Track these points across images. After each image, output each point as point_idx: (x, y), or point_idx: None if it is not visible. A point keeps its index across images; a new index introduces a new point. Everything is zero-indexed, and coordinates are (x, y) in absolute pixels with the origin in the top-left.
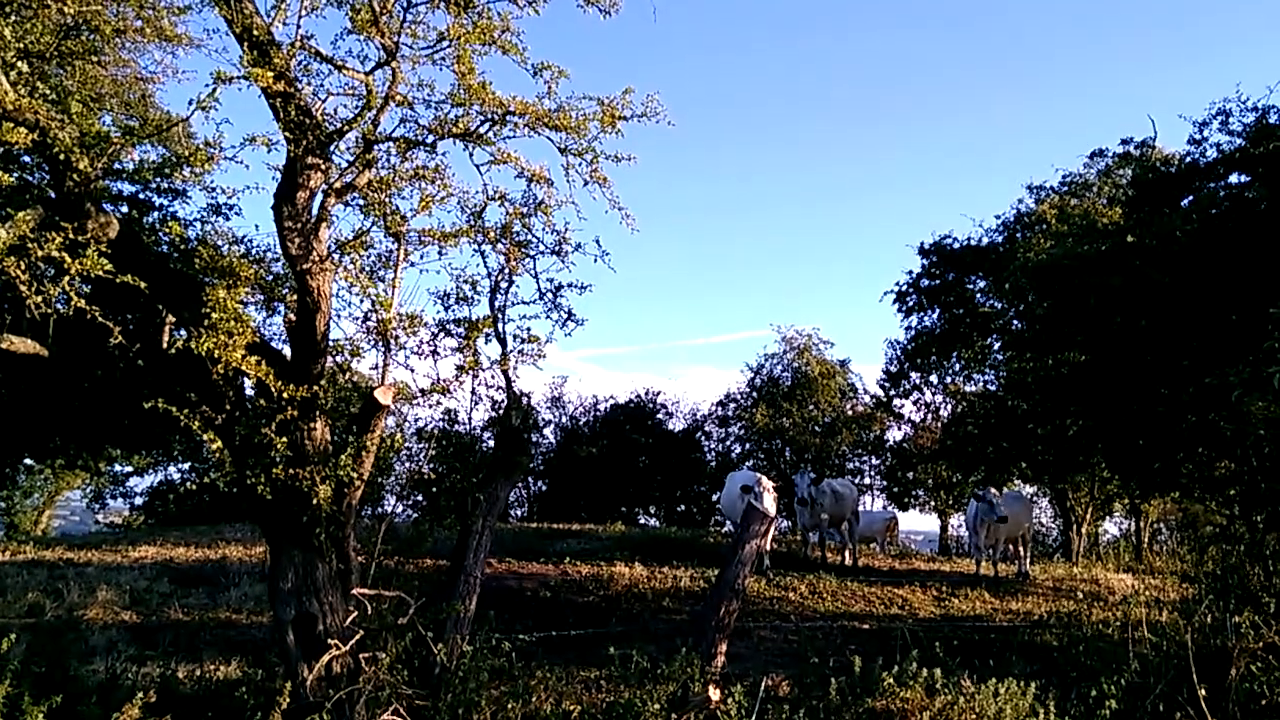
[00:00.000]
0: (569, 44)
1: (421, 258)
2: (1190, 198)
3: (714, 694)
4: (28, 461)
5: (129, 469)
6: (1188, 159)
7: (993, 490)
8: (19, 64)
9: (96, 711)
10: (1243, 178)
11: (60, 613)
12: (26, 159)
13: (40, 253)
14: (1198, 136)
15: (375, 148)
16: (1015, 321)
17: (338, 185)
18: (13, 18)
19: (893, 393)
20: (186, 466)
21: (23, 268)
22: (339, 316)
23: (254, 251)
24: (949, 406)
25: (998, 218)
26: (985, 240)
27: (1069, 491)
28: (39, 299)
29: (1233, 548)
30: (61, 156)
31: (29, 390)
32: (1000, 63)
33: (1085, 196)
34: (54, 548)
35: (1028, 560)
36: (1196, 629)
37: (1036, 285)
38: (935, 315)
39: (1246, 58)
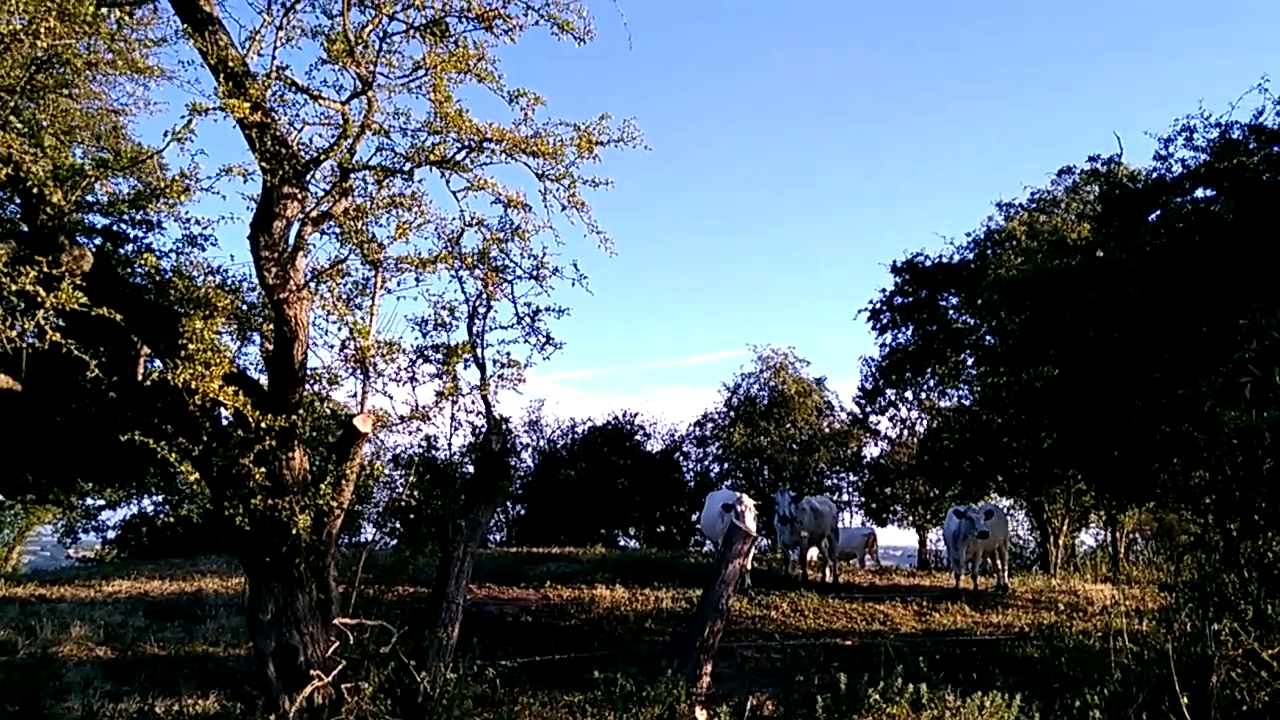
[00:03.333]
0: (545, 65)
1: (399, 284)
2: (1158, 213)
3: (700, 715)
4: None
5: (101, 502)
6: (1154, 175)
7: (973, 507)
8: None
9: None
10: (1208, 192)
11: (33, 650)
12: None
13: (14, 287)
14: (1163, 153)
15: (352, 176)
16: (988, 337)
17: (314, 214)
18: None
19: (869, 409)
20: (160, 499)
21: None
22: (316, 345)
23: (230, 281)
24: (925, 422)
25: (968, 235)
26: (957, 257)
27: (1045, 504)
28: (13, 333)
29: (1209, 556)
30: (35, 190)
31: None
32: (969, 81)
33: (1054, 213)
34: (25, 584)
35: (1006, 573)
36: (1176, 637)
37: (1009, 301)
38: (909, 332)
39: (1209, 74)
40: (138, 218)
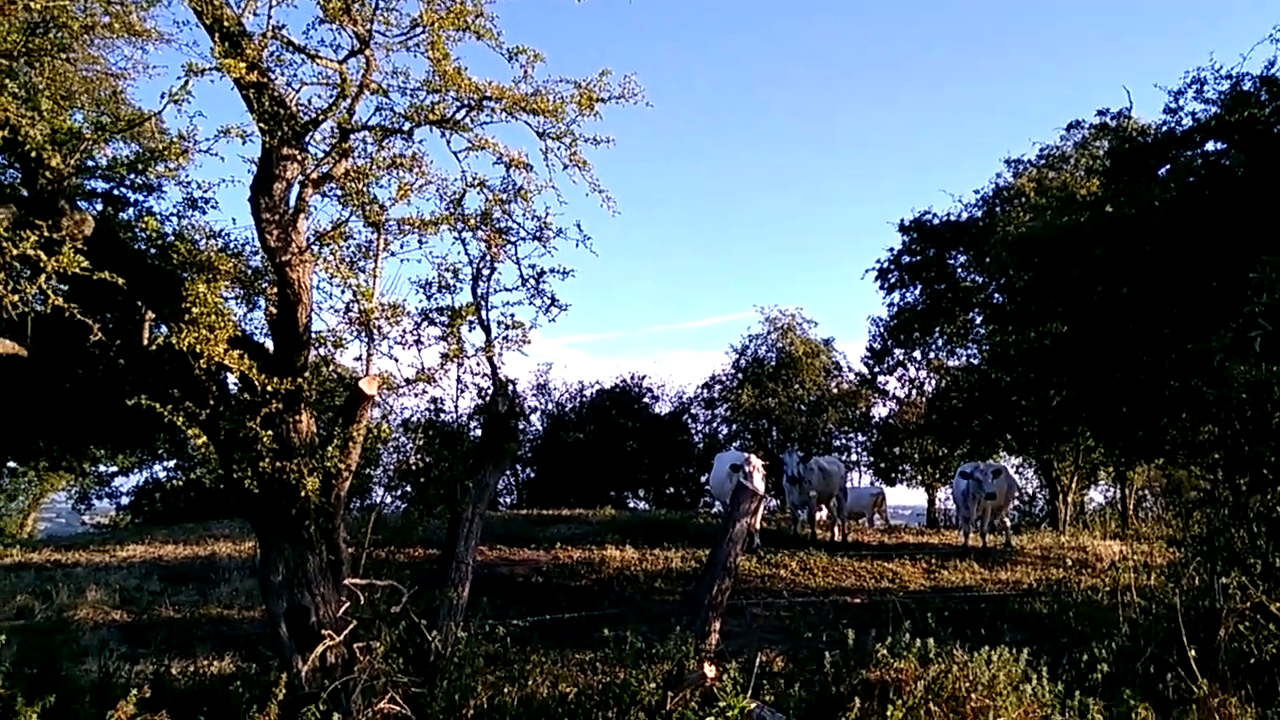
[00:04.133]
0: (546, 26)
1: (402, 247)
2: (1168, 167)
3: (709, 671)
4: (11, 464)
5: (114, 469)
6: (1164, 129)
7: (980, 467)
8: None
9: (90, 710)
10: (1219, 145)
11: (50, 614)
12: None
13: (15, 251)
14: (1173, 106)
15: (351, 137)
16: (997, 295)
17: (315, 176)
18: None
19: (877, 370)
20: (172, 464)
21: None
22: (320, 308)
23: (232, 245)
24: (933, 381)
25: (977, 193)
26: (965, 215)
27: (1054, 461)
28: (15, 298)
29: (1217, 511)
30: (33, 154)
31: (9, 392)
32: (976, 36)
33: (1063, 169)
34: (41, 550)
35: (1010, 528)
36: (1185, 592)
37: (1017, 258)
38: (917, 291)
39: (1221, 26)
40: (138, 181)
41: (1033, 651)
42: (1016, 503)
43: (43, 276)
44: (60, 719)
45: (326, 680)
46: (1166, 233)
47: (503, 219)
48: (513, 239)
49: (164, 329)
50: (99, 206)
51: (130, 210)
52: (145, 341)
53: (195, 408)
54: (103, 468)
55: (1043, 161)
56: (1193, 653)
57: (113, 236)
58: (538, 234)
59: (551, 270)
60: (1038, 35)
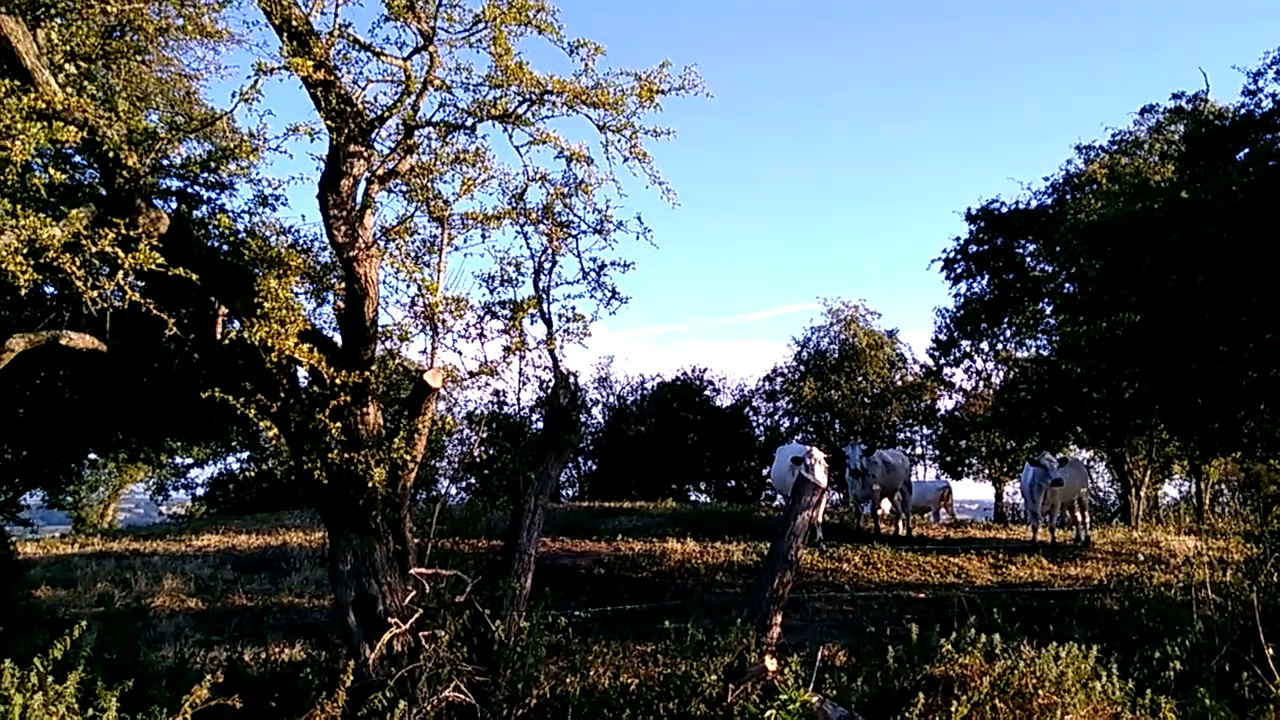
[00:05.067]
0: (608, 19)
1: (465, 241)
2: (1246, 150)
3: (770, 664)
4: (91, 456)
5: (189, 461)
6: (1242, 111)
7: (1047, 455)
8: (67, 65)
9: (167, 695)
10: None
11: (129, 601)
12: (77, 158)
13: (94, 249)
14: (1252, 87)
15: (416, 133)
16: (1067, 284)
17: (380, 172)
18: (58, 21)
19: (943, 361)
20: (245, 456)
21: (78, 264)
22: (386, 302)
23: (301, 241)
24: (1001, 373)
25: (1046, 180)
26: (1034, 203)
27: (1127, 455)
28: (94, 294)
29: None
30: (110, 154)
31: (90, 385)
32: (1047, 20)
33: (1136, 154)
34: (120, 539)
35: (1088, 526)
36: (1262, 588)
37: (1089, 246)
38: (984, 281)
39: None
40: (211, 180)
41: (1102, 649)
42: (1091, 500)
43: (120, 273)
44: (138, 703)
45: (393, 668)
46: (1244, 219)
47: (564, 212)
48: (574, 232)
49: (236, 323)
50: (174, 204)
51: (204, 208)
52: (219, 336)
53: (267, 400)
54: (179, 460)
55: (1115, 147)
56: (1270, 651)
57: (187, 234)
58: (598, 227)
59: (612, 263)
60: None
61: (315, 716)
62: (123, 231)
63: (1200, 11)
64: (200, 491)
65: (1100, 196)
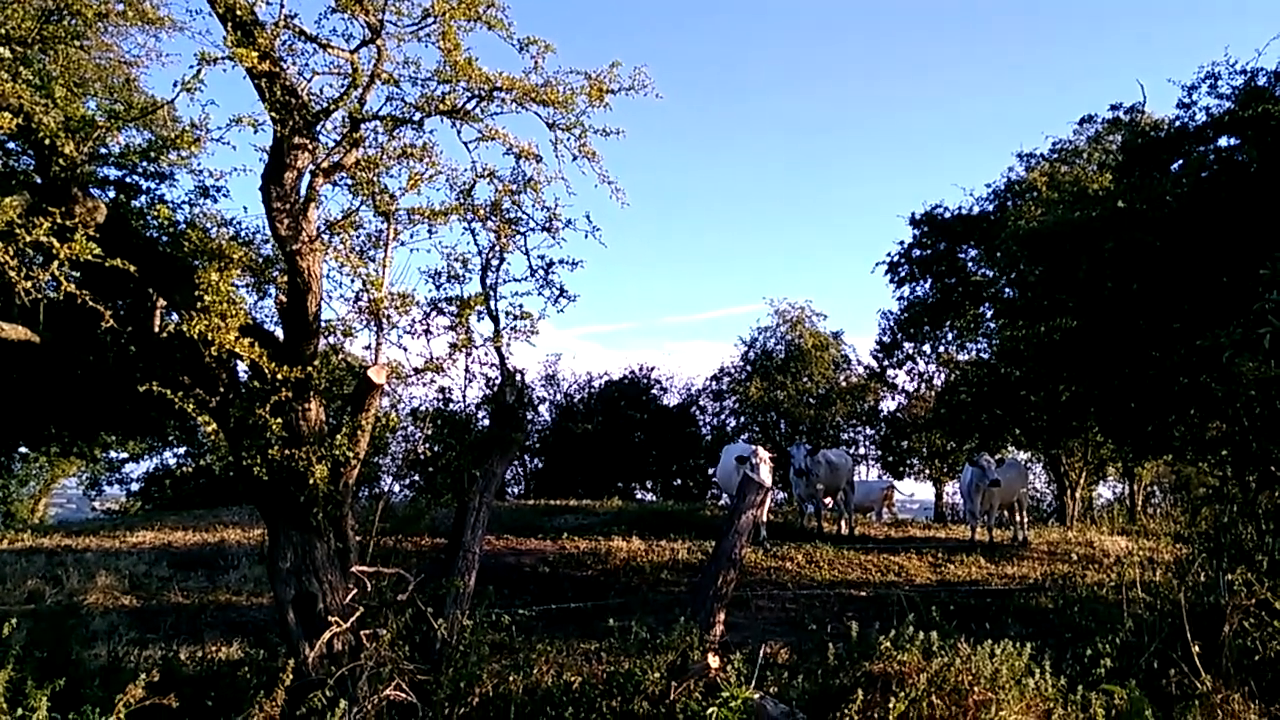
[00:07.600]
0: (558, 16)
1: (411, 236)
2: (1180, 162)
3: (713, 662)
4: (23, 450)
5: (124, 455)
6: (1177, 123)
7: (986, 456)
8: (2, 50)
9: (99, 694)
10: (1232, 140)
11: (60, 599)
12: (11, 145)
13: (28, 238)
14: (1186, 100)
15: (362, 126)
16: (1007, 289)
17: (325, 165)
18: None
19: (886, 363)
20: (182, 451)
21: (11, 253)
22: (330, 297)
23: (243, 234)
24: (942, 375)
25: (988, 186)
26: (976, 209)
27: (1063, 456)
28: (28, 284)
29: (1225, 507)
30: (46, 141)
31: (22, 378)
32: (989, 28)
33: (1075, 163)
34: (52, 535)
35: (1025, 526)
36: (1190, 588)
37: (1028, 253)
38: (927, 285)
39: (1234, 22)
40: (150, 170)
41: (1037, 646)
42: (1029, 500)
43: (55, 263)
44: (70, 703)
45: (333, 667)
46: (1178, 228)
47: (512, 209)
48: (522, 229)
49: (175, 316)
50: (111, 194)
51: (142, 198)
52: (156, 328)
53: (205, 395)
54: (113, 454)
55: (1055, 155)
56: (1196, 649)
57: (125, 224)
58: (547, 225)
59: (560, 261)
60: (1045, 30)
61: (254, 716)
62: (58, 221)
63: (1140, 10)
64: (135, 487)
65: (1040, 204)
